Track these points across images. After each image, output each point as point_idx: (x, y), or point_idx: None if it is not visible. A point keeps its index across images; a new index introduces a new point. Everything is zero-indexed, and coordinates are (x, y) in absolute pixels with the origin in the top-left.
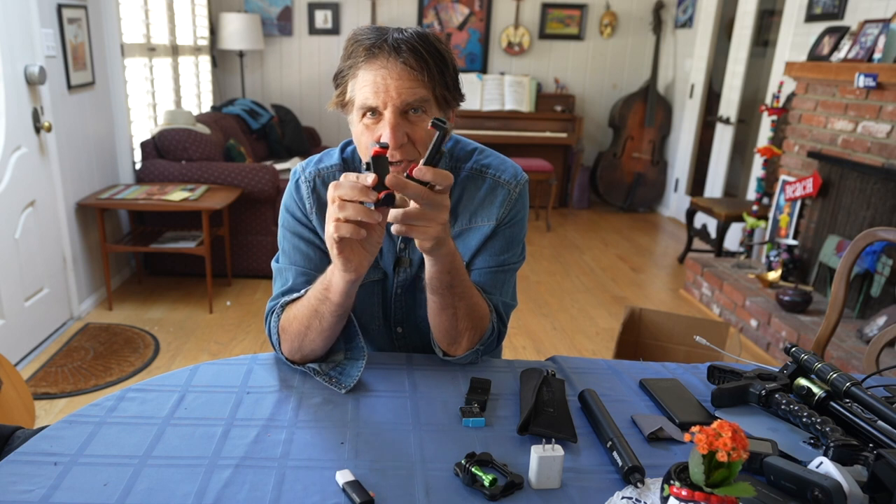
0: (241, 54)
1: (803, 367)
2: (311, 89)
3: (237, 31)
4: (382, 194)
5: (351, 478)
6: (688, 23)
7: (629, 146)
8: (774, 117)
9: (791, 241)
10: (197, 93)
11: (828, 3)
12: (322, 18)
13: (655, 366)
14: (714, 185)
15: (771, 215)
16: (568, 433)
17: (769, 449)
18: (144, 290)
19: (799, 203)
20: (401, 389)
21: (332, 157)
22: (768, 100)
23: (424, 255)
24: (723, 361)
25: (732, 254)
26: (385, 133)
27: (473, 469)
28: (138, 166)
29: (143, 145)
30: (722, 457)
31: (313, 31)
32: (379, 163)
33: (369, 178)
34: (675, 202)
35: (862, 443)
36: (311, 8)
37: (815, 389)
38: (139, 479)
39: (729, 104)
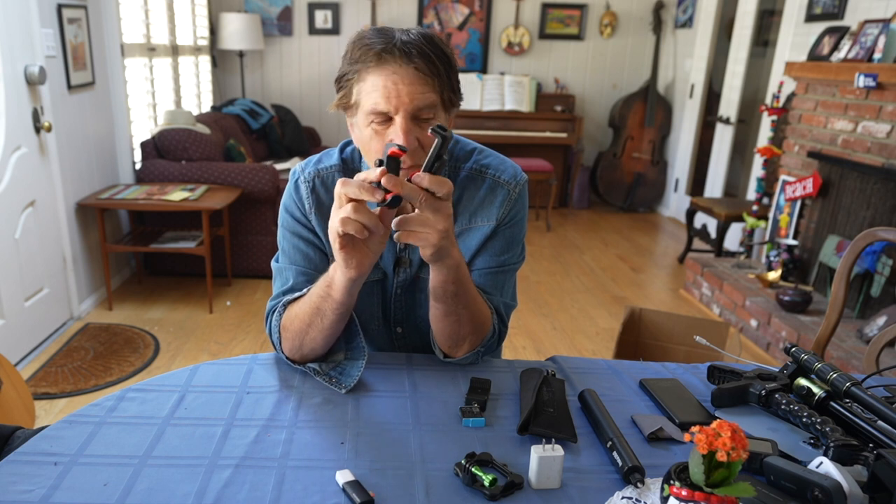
0: (241, 54)
1: (803, 367)
2: (311, 89)
3: (237, 31)
4: (390, 195)
5: (351, 478)
6: (688, 23)
7: (629, 146)
8: (774, 117)
9: (791, 241)
10: (197, 93)
11: (828, 3)
12: (322, 18)
13: (655, 366)
14: (714, 185)
15: (771, 215)
16: (568, 433)
17: (769, 449)
18: (144, 290)
19: (799, 203)
20: (401, 389)
21: (332, 157)
22: (768, 100)
23: (430, 264)
24: (723, 361)
25: (732, 254)
26: (398, 137)
27: (473, 469)
28: (138, 166)
29: (143, 145)
30: (722, 457)
31: (313, 31)
32: (392, 163)
33: (376, 171)
34: (675, 202)
35: (862, 443)
36: (311, 8)
37: (815, 389)
38: (139, 479)
39: (729, 104)
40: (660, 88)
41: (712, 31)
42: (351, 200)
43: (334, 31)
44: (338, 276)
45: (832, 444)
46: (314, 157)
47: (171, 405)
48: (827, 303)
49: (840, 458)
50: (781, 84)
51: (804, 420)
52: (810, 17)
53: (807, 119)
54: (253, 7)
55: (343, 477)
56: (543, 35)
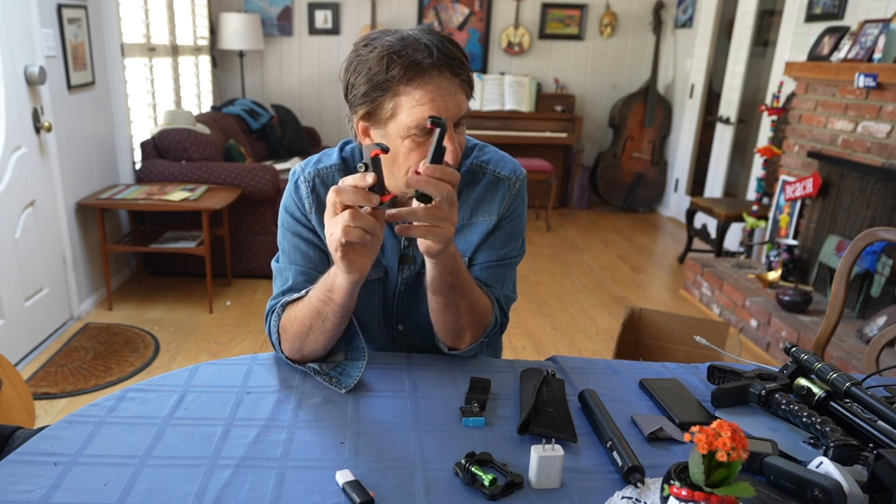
0: (241, 54)
1: (803, 367)
2: (310, 89)
3: (237, 31)
4: (388, 198)
5: (351, 478)
6: (688, 23)
7: (629, 146)
8: (774, 117)
9: (791, 241)
10: (197, 93)
11: (828, 3)
12: (322, 18)
13: (655, 366)
14: (714, 185)
15: (771, 215)
16: (568, 433)
17: (769, 449)
18: (144, 290)
19: (799, 203)
20: (401, 389)
21: (332, 157)
22: (768, 100)
23: (426, 258)
24: (723, 361)
25: (732, 254)
26: (447, 147)
27: (473, 469)
28: (138, 166)
29: (143, 145)
30: (722, 457)
31: (313, 31)
32: (377, 164)
33: (369, 177)
34: (675, 202)
35: (862, 443)
36: (311, 8)
37: (815, 389)
38: (139, 479)
39: (729, 104)
40: (660, 88)
41: (712, 31)
42: (346, 207)
43: (334, 31)
44: (339, 280)
45: (832, 444)
46: (314, 157)
47: (171, 405)
48: (827, 303)
49: (840, 458)
50: (781, 84)
51: (804, 420)
52: (810, 17)
53: (807, 119)
54: (253, 7)
55: (343, 477)
56: (543, 35)
